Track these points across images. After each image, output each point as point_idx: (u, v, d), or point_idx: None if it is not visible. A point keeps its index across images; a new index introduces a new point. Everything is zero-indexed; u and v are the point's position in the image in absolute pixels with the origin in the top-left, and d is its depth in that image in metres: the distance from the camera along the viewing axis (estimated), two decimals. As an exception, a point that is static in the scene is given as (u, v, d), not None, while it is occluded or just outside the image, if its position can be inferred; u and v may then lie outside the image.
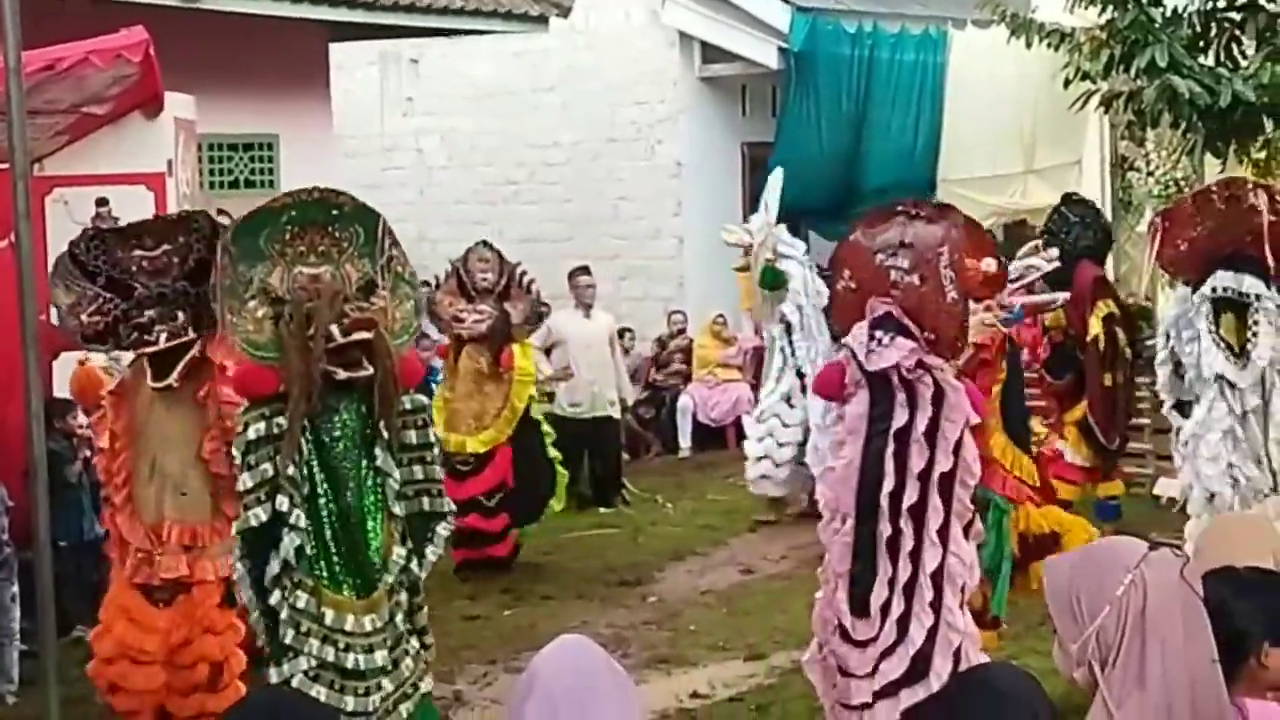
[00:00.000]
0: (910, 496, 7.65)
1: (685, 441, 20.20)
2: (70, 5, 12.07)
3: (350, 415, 7.88)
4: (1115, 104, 15.81)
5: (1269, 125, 15.46)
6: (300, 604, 7.80)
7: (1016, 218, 21.98)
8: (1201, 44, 15.39)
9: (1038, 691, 3.56)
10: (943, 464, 7.64)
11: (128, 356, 9.17)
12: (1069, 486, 13.77)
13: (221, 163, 16.18)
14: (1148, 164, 17.69)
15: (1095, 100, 15.91)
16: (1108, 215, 16.88)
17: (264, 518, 7.76)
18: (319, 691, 7.65)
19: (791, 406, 15.52)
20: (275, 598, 7.82)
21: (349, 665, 7.82)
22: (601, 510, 16.61)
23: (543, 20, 19.26)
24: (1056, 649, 3.85)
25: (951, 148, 20.88)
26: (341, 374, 7.74)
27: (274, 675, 7.89)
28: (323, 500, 7.86)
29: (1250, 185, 10.71)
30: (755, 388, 20.25)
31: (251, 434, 7.76)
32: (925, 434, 7.65)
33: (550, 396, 16.21)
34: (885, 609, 7.69)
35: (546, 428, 14.39)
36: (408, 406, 8.01)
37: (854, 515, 7.77)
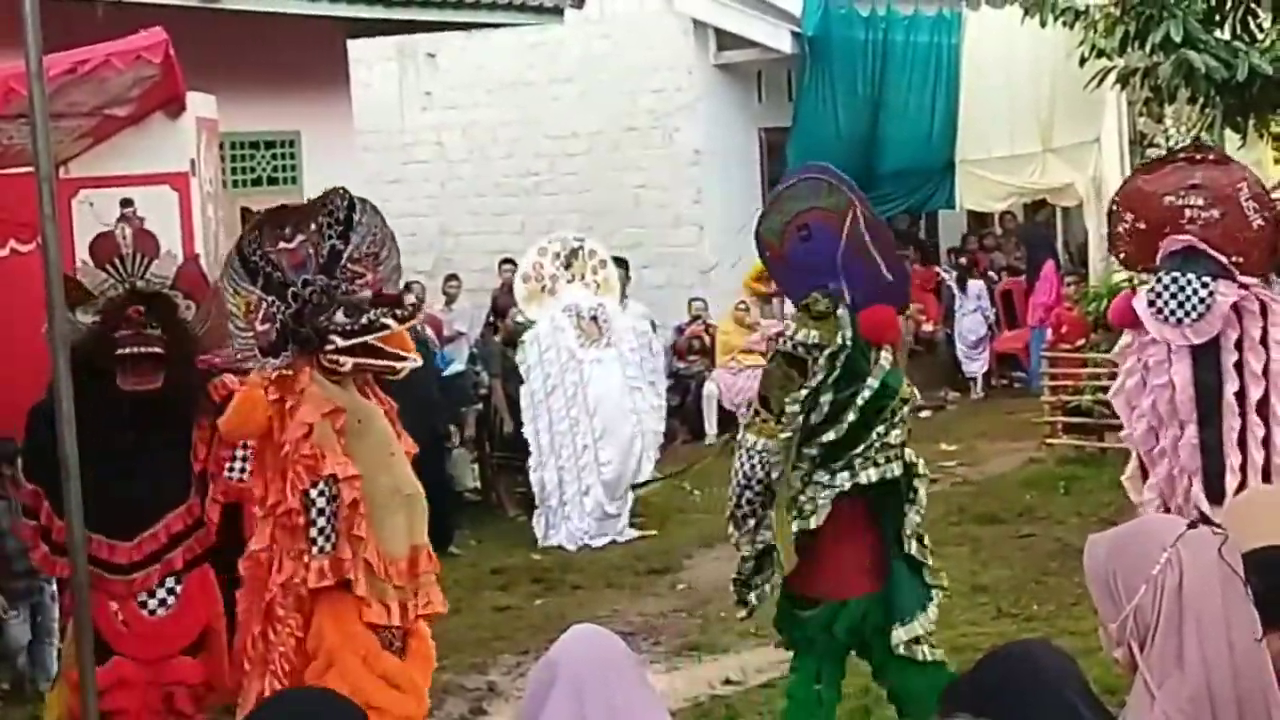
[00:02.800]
0: (1256, 393, 8.89)
1: (711, 428, 20.21)
2: (89, 8, 12.13)
3: None
4: (1132, 81, 15.78)
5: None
6: None
7: (1036, 197, 22.02)
8: (1217, 18, 15.35)
9: (1073, 669, 3.52)
10: (1277, 364, 8.92)
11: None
12: None
13: (244, 161, 16.21)
14: (1167, 140, 17.65)
15: (1112, 77, 15.88)
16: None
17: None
18: (925, 651, 8.01)
19: None
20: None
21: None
22: (629, 498, 16.64)
23: (558, 11, 19.27)
24: (1100, 629, 3.83)
25: (968, 129, 20.91)
26: None
27: (904, 634, 8.06)
28: None
29: None
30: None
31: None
32: (1260, 340, 8.87)
33: None
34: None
35: None
36: None
37: (1195, 420, 8.84)
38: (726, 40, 22.07)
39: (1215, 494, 8.88)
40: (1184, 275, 8.81)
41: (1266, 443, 8.91)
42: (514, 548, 14.97)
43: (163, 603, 8.43)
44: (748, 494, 8.16)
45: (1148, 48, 15.02)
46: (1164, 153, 17.53)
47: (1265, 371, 8.91)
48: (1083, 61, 16.13)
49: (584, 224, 21.60)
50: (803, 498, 7.95)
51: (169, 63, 9.80)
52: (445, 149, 23.89)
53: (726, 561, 13.92)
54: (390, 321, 7.89)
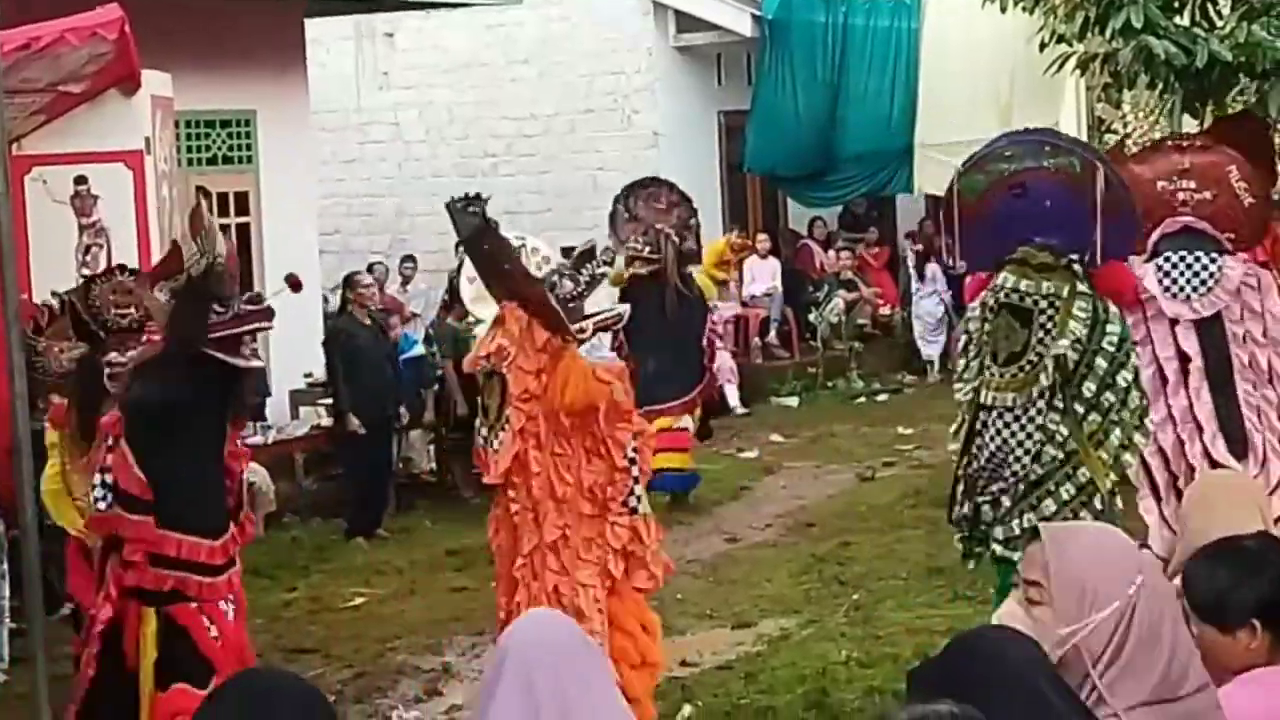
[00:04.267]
0: (1264, 359, 9.40)
1: (668, 410, 20.14)
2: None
3: None
4: (1091, 66, 15.76)
5: (1247, 85, 15.46)
6: None
7: (994, 181, 21.97)
8: (1176, 4, 15.35)
9: (1041, 657, 3.45)
10: (1274, 329, 9.41)
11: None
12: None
13: (199, 139, 16.09)
14: (1125, 126, 17.68)
15: (1071, 63, 15.86)
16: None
17: None
18: None
19: None
20: None
21: None
22: (585, 481, 16.60)
23: (517, -9, 19.24)
24: (1025, 611, 3.68)
25: (928, 112, 20.88)
26: None
27: None
28: None
29: None
30: (736, 355, 20.31)
31: None
32: (1261, 309, 9.40)
33: None
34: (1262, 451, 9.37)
35: None
36: None
37: (1208, 386, 9.30)
38: (686, 22, 22.05)
39: (1240, 451, 9.36)
40: (1191, 253, 9.31)
41: None
42: (470, 529, 14.87)
43: (235, 606, 7.82)
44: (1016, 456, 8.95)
45: (1108, 33, 14.99)
46: (1120, 138, 17.65)
47: (1265, 335, 9.44)
48: (1042, 47, 16.10)
49: (542, 205, 21.62)
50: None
51: (124, 40, 9.75)
52: (402, 129, 23.82)
53: (683, 544, 13.96)
54: (606, 269, 8.68)
